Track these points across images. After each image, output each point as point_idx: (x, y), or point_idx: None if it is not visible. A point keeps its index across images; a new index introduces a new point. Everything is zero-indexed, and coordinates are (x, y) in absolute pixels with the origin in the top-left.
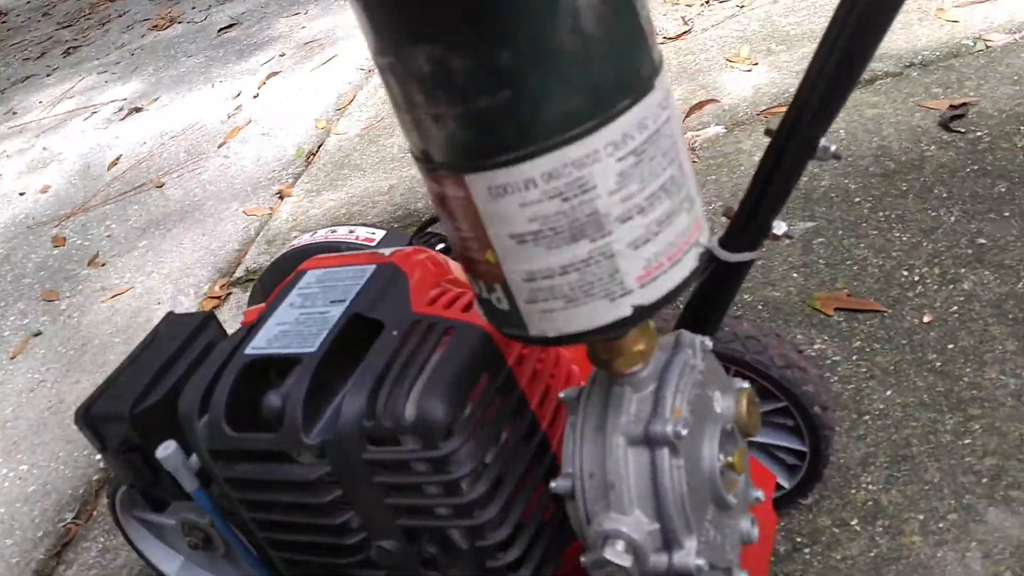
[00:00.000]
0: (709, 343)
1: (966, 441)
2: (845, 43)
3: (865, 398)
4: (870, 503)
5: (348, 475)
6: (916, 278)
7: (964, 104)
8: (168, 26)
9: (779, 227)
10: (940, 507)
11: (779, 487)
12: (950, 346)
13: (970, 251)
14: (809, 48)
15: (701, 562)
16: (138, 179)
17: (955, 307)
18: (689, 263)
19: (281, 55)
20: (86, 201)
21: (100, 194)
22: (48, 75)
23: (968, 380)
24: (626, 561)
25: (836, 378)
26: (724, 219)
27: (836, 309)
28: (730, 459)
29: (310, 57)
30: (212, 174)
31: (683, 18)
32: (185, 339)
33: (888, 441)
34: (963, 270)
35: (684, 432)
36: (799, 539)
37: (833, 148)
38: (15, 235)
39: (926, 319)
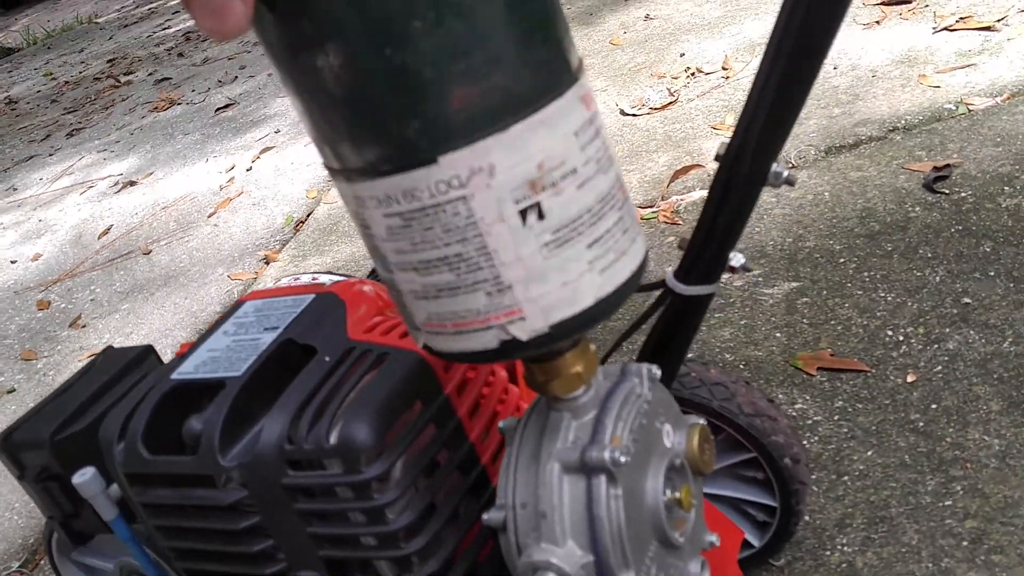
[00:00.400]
0: (657, 372)
1: (947, 503)
2: (786, 61)
3: (845, 459)
4: (844, 565)
5: (266, 501)
6: (900, 338)
7: (948, 166)
8: (168, 107)
9: (736, 259)
10: (917, 570)
11: (749, 545)
12: (933, 406)
13: (955, 311)
14: None
15: None
16: (126, 247)
17: (939, 367)
18: (482, 340)
19: (276, 131)
20: (74, 268)
21: (88, 261)
22: (50, 155)
23: (951, 440)
24: None
25: (816, 438)
26: (679, 250)
27: (819, 369)
28: (677, 495)
29: (304, 134)
30: (200, 242)
31: (669, 89)
32: (119, 370)
33: (866, 502)
34: (948, 330)
35: (623, 460)
36: None
37: (786, 174)
38: (1, 299)
39: (910, 379)
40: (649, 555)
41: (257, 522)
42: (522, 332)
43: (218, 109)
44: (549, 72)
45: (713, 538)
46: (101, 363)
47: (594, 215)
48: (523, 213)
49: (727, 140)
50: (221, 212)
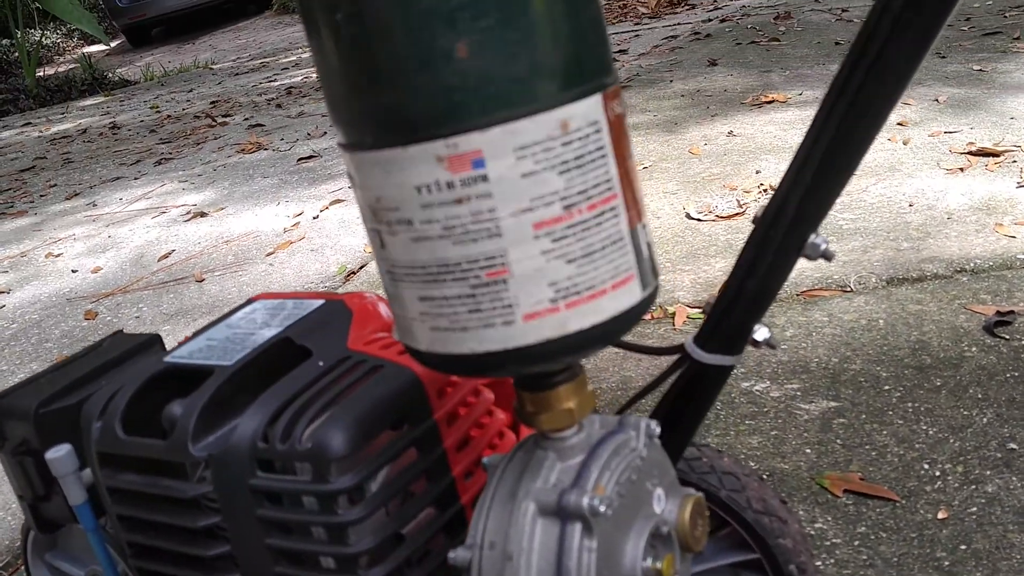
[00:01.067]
0: (656, 428)
1: None
2: (839, 123)
3: None
4: None
5: (229, 500)
6: (937, 473)
7: (1012, 312)
8: (255, 151)
9: (761, 332)
10: None
11: None
12: (963, 547)
13: (999, 455)
14: (860, 243)
15: None
16: (182, 272)
17: (974, 508)
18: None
19: (349, 187)
20: (128, 285)
21: (142, 280)
22: (135, 178)
23: None
24: None
25: (832, 561)
26: (702, 314)
27: (845, 491)
28: (658, 564)
29: None
30: (253, 277)
31: (738, 201)
32: (122, 353)
33: None
34: (989, 472)
35: (603, 509)
36: None
37: (824, 247)
38: (53, 305)
39: (941, 515)
40: None
41: (217, 523)
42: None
43: (301, 159)
44: (390, 122)
45: None
46: (107, 345)
47: (428, 274)
48: (375, 233)
49: (766, 203)
50: (279, 253)
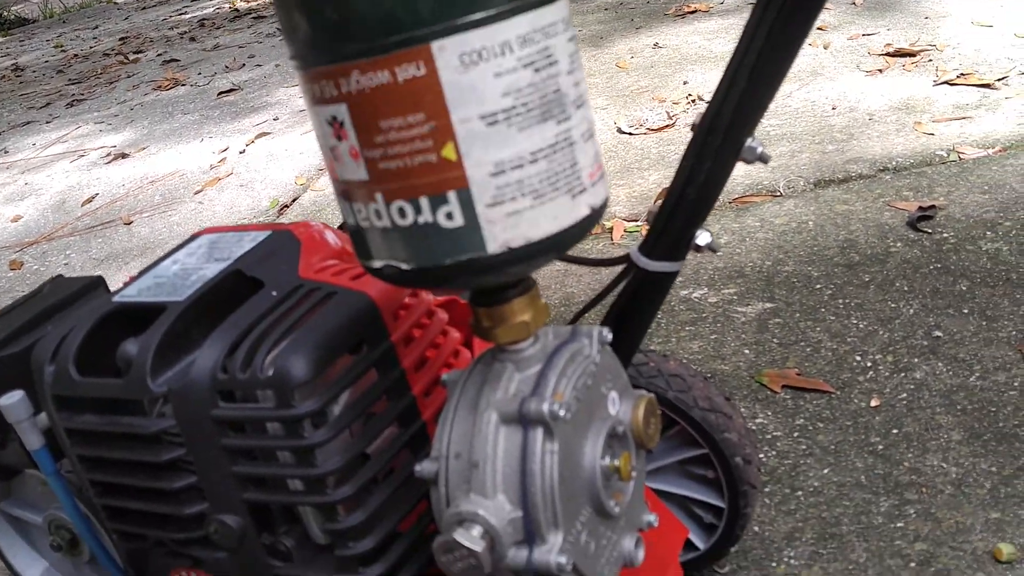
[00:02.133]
0: (608, 335)
1: (898, 524)
2: (770, 27)
3: (801, 474)
4: None
5: (193, 432)
6: (868, 364)
7: (933, 207)
8: (172, 87)
9: (703, 237)
10: None
11: (693, 548)
12: (895, 431)
13: (925, 343)
14: (788, 147)
15: (563, 559)
16: (108, 216)
17: (904, 394)
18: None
19: (275, 119)
20: (52, 232)
21: (67, 226)
22: (47, 122)
23: (908, 465)
24: (478, 546)
25: (774, 452)
26: (646, 224)
27: (783, 386)
28: (616, 462)
29: (302, 123)
30: (183, 217)
31: (668, 113)
32: (65, 297)
33: (818, 518)
34: (916, 360)
35: (563, 414)
36: None
37: (760, 150)
38: None
39: (873, 403)
40: (581, 520)
41: (181, 455)
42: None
43: (221, 93)
44: None
45: (652, 518)
46: (49, 290)
47: None
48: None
49: (703, 110)
50: (208, 190)
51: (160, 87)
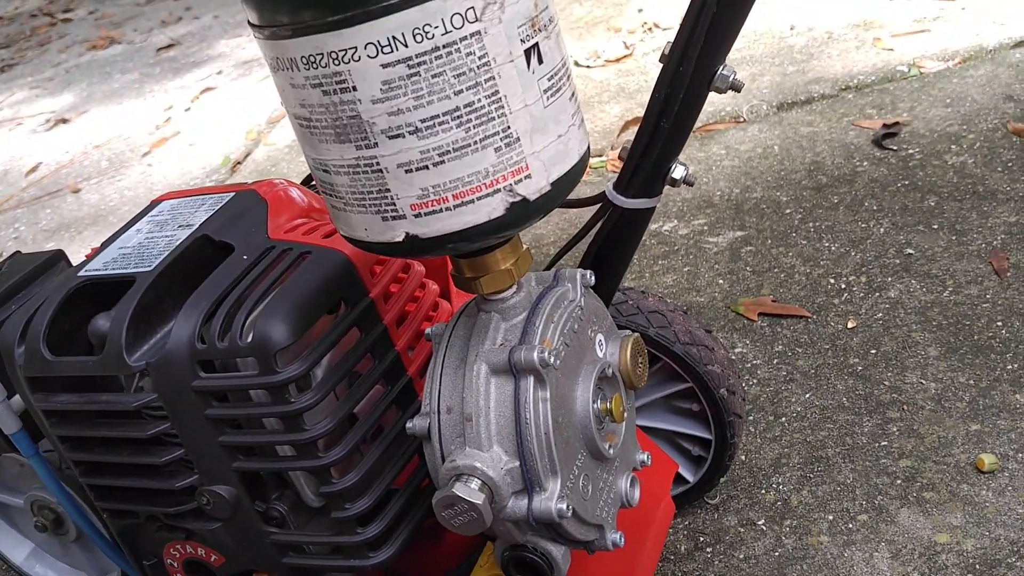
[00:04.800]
0: (591, 277)
1: (882, 443)
2: None
3: (783, 400)
4: (779, 503)
5: (175, 405)
6: (843, 286)
7: (897, 124)
8: (107, 46)
9: (678, 170)
10: (851, 507)
11: (683, 481)
12: (872, 351)
13: (898, 261)
14: (748, 71)
15: (563, 506)
16: (55, 185)
17: (880, 314)
18: (488, 208)
19: (218, 72)
20: None
21: (13, 199)
22: None
23: (888, 384)
24: (478, 499)
25: (755, 381)
26: (619, 160)
27: (760, 314)
28: (608, 405)
29: (248, 74)
30: (132, 181)
31: (625, 43)
32: (27, 275)
33: (803, 443)
34: (890, 279)
35: (553, 361)
36: (702, 538)
37: (732, 77)
38: None
39: (850, 325)
40: (577, 464)
41: (165, 429)
42: (529, 190)
43: (160, 49)
44: None
45: (644, 456)
46: (7, 268)
47: (567, 68)
48: (527, 54)
49: (672, 40)
50: (156, 152)
51: (95, 46)
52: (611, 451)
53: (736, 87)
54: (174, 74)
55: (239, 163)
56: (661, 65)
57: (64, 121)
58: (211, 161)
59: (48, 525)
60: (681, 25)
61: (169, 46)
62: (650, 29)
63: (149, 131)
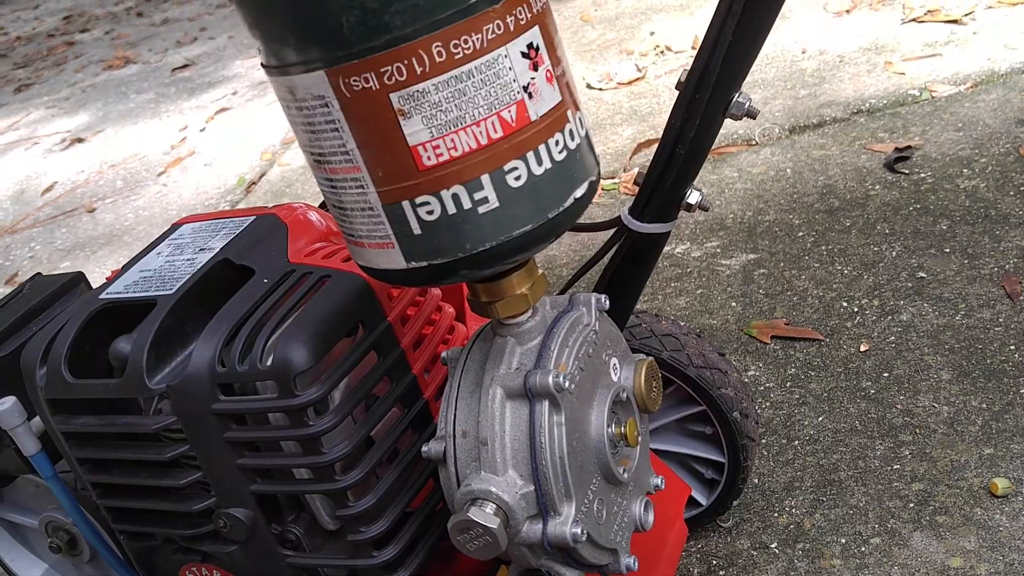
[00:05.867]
0: (605, 302)
1: (895, 467)
2: None
3: (796, 424)
4: (792, 527)
5: (195, 428)
6: (855, 309)
7: (909, 147)
8: (123, 65)
9: (693, 195)
10: (864, 531)
11: (696, 504)
12: (885, 374)
13: (910, 284)
14: (760, 95)
15: (578, 530)
16: (70, 204)
17: (892, 337)
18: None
19: (233, 93)
20: (14, 224)
21: (29, 218)
22: None
23: (901, 407)
24: (493, 523)
25: (768, 404)
26: (634, 185)
27: (773, 337)
28: (622, 429)
29: (262, 95)
30: (147, 201)
31: (637, 66)
32: (47, 297)
33: (816, 466)
34: (902, 302)
35: (568, 386)
36: (715, 561)
37: (747, 104)
38: None
39: (863, 348)
40: (592, 488)
41: (184, 451)
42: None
43: (175, 69)
44: None
45: (658, 480)
46: (28, 290)
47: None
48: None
49: (688, 67)
50: (171, 171)
51: (111, 66)
52: (625, 475)
53: (751, 114)
54: (189, 94)
55: (254, 183)
56: (678, 92)
57: (80, 140)
58: (226, 181)
59: (62, 546)
60: (698, 53)
61: (184, 66)
62: (662, 52)
63: (164, 151)
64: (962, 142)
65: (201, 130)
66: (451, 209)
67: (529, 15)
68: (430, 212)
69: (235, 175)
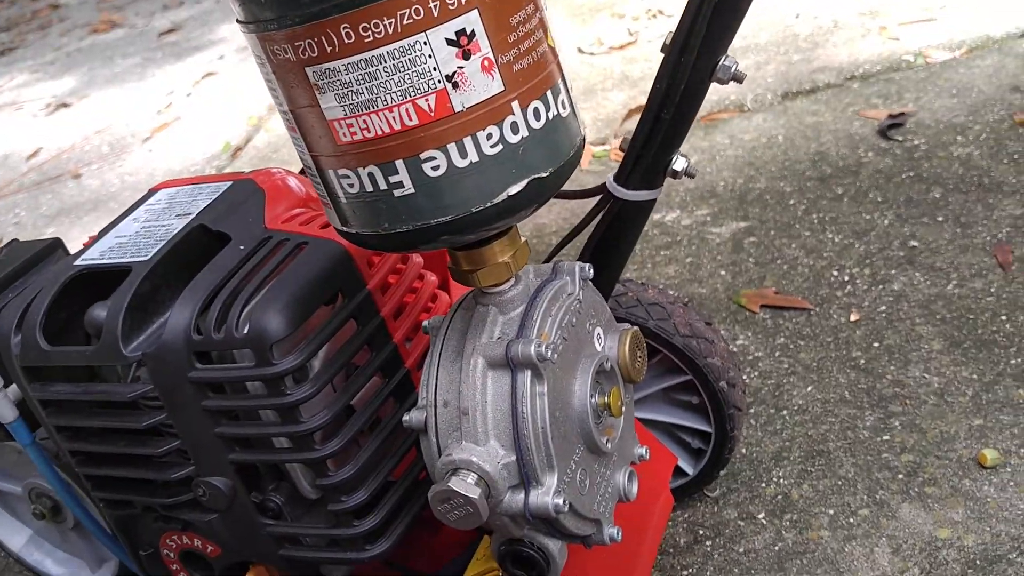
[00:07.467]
0: (589, 271)
1: (884, 438)
2: None
3: (784, 393)
4: (779, 497)
5: (171, 396)
6: (846, 278)
7: (902, 114)
8: (108, 29)
9: (679, 162)
10: (852, 502)
11: (683, 474)
12: (875, 344)
13: (902, 253)
14: (753, 59)
15: (560, 501)
16: (55, 170)
17: (883, 307)
18: None
19: (220, 58)
20: None
21: (13, 183)
22: None
23: (891, 378)
24: (474, 493)
25: (756, 373)
26: (620, 151)
27: (762, 306)
28: (605, 399)
29: (248, 59)
30: (133, 166)
31: (628, 30)
32: (23, 263)
33: (804, 436)
34: (894, 271)
35: (550, 355)
36: (701, 531)
37: (734, 68)
38: None
39: (853, 318)
40: (574, 459)
41: (161, 419)
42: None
43: (161, 33)
44: None
45: (643, 451)
46: (5, 255)
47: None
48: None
49: (674, 29)
50: (157, 137)
51: (96, 30)
52: (609, 445)
53: (738, 78)
54: (176, 59)
55: (240, 149)
56: (662, 55)
57: (65, 105)
58: (212, 147)
59: (46, 513)
60: (683, 15)
61: (171, 31)
62: (655, 16)
63: (150, 116)
64: (956, 109)
65: (187, 95)
66: (368, 187)
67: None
68: (351, 185)
69: (221, 140)
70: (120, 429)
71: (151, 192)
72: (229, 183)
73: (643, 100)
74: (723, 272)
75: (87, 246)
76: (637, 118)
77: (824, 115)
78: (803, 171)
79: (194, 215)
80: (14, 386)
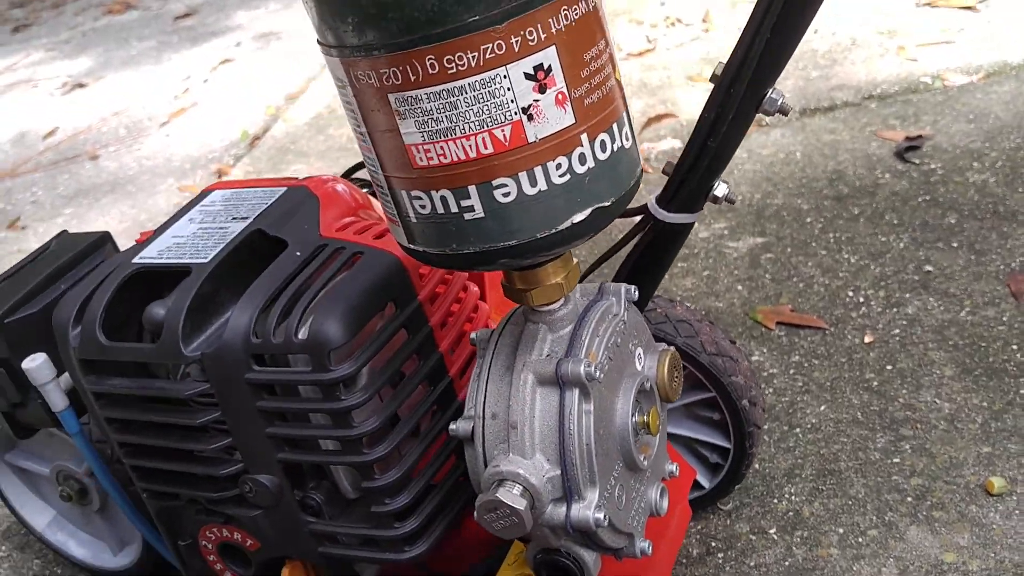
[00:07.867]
0: (635, 292)
1: (895, 460)
2: None
3: (798, 411)
4: (791, 513)
5: (227, 396)
6: (861, 299)
7: (920, 137)
8: (123, 11)
9: (720, 188)
10: (861, 522)
11: (699, 487)
12: (888, 367)
13: (916, 277)
14: None
15: (600, 515)
16: (72, 150)
17: (897, 330)
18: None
19: (236, 45)
20: (15, 167)
21: (31, 161)
22: None
23: (903, 401)
24: (520, 504)
25: (771, 390)
26: (664, 175)
27: (778, 323)
28: (645, 418)
29: (266, 47)
30: (151, 150)
31: (647, 37)
32: (74, 255)
33: (816, 455)
34: (908, 295)
35: (598, 375)
36: (714, 543)
37: (780, 101)
38: None
39: (867, 339)
40: (614, 474)
41: (215, 418)
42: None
43: (177, 17)
44: None
45: (673, 467)
46: (55, 247)
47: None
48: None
49: (724, 61)
50: (174, 122)
51: (111, 11)
52: (645, 462)
53: (784, 111)
54: (192, 43)
55: (258, 138)
56: (711, 85)
57: (81, 86)
58: (230, 134)
59: (73, 495)
60: (735, 48)
61: (186, 15)
62: (673, 24)
63: (167, 100)
64: (973, 134)
65: (204, 81)
66: (440, 209)
67: (542, 35)
68: (423, 207)
69: (239, 128)
70: (173, 425)
71: (204, 193)
72: (283, 188)
73: (661, 109)
74: (740, 287)
75: (140, 243)
76: (655, 127)
77: (842, 133)
78: (820, 189)
79: (251, 219)
80: (65, 375)
